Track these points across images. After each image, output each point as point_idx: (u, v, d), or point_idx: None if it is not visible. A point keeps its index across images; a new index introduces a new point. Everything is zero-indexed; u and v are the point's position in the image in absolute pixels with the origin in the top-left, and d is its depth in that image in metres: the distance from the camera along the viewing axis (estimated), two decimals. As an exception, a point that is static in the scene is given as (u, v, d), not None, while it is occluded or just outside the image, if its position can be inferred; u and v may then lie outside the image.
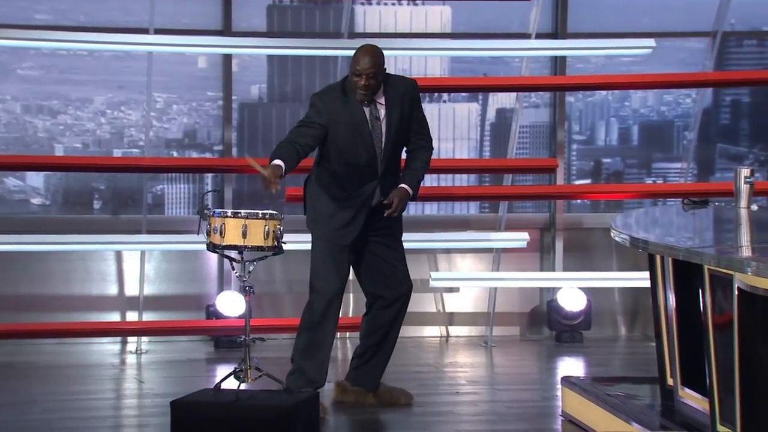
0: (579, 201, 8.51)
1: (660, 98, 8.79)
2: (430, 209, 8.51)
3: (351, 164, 5.79)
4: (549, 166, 8.06)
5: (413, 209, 8.41)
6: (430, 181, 8.44)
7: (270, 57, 8.20)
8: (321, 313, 5.93)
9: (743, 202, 5.59)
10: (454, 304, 8.35)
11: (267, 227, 5.86)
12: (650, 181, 8.69)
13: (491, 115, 8.60)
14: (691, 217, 5.68)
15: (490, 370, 7.50)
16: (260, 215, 5.86)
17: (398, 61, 8.38)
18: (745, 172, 5.59)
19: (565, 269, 8.29)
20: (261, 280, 7.63)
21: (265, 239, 5.86)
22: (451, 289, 8.31)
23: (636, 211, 6.16)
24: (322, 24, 8.29)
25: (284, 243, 5.95)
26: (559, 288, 8.23)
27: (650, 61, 8.31)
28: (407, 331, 8.20)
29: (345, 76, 5.92)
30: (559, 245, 8.35)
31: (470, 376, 7.20)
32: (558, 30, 8.30)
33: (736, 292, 4.42)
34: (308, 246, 8.01)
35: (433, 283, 7.97)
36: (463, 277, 8.22)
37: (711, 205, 5.92)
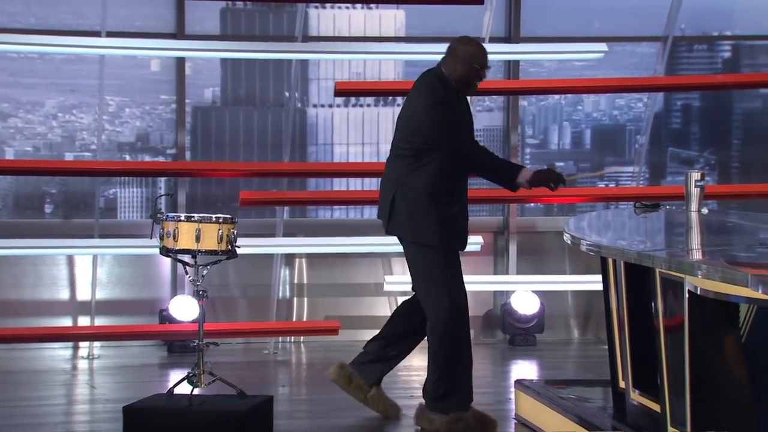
0: (532, 204, 8.53)
1: (612, 102, 8.85)
2: (385, 213, 8.51)
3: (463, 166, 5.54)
4: (503, 169, 8.07)
5: (367, 212, 8.41)
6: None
7: (224, 60, 8.17)
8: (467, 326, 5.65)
9: (694, 206, 5.63)
10: (408, 307, 8.36)
11: (221, 231, 5.84)
12: (603, 185, 8.75)
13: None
14: (642, 221, 5.72)
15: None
16: (214, 219, 5.84)
17: (352, 64, 8.38)
18: (695, 175, 5.62)
19: (519, 272, 8.33)
20: (214, 285, 7.60)
21: (218, 243, 5.83)
22: (405, 293, 8.30)
23: (588, 214, 6.19)
24: (276, 27, 8.28)
25: (238, 247, 5.93)
26: (513, 291, 8.26)
27: (602, 65, 8.37)
28: (361, 335, 8.19)
29: (430, 71, 5.58)
30: (513, 249, 8.38)
31: (424, 379, 7.20)
32: (511, 34, 8.33)
33: (687, 295, 4.46)
34: (263, 250, 8.00)
35: (387, 287, 7.97)
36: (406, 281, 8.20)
37: (662, 209, 5.96)
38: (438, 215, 5.53)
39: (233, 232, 5.89)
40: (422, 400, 5.75)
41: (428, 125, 5.45)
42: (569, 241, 5.13)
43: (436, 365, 5.68)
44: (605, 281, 5.64)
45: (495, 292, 8.41)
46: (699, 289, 4.32)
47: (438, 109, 5.45)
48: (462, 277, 5.72)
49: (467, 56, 5.50)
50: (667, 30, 8.28)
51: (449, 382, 5.65)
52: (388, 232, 5.74)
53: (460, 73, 5.52)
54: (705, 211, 5.63)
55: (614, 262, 5.47)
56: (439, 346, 5.66)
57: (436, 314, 5.65)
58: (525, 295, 8.23)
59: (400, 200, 5.56)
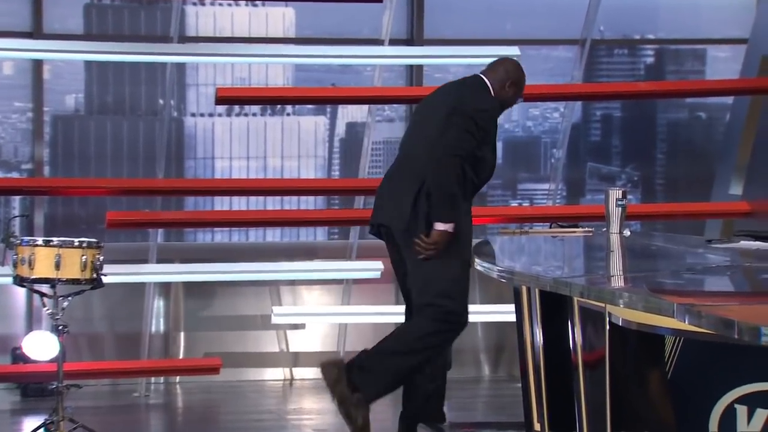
0: (438, 226, 8.62)
1: (525, 112, 8.95)
2: (273, 235, 8.48)
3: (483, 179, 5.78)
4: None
5: (252, 235, 8.37)
6: (272, 203, 8.42)
7: (88, 63, 8.09)
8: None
9: (615, 227, 5.68)
10: (299, 342, 8.33)
11: (84, 257, 5.76)
12: (516, 204, 8.83)
13: (340, 130, 8.64)
14: (559, 244, 5.77)
15: (339, 417, 7.49)
16: (76, 243, 5.76)
17: (236, 68, 8.35)
18: (616, 193, 5.68)
19: (423, 302, 8.37)
20: (77, 318, 7.48)
21: (82, 271, 5.76)
22: (296, 326, 8.29)
23: (500, 236, 6.23)
24: (149, 26, 8.21)
25: (104, 275, 5.85)
26: (417, 323, 8.29)
27: (515, 71, 8.48)
28: (246, 374, 8.14)
29: (468, 79, 5.83)
30: (417, 275, 8.41)
31: (317, 423, 7.17)
32: (413, 36, 8.38)
33: (608, 327, 4.50)
34: (133, 278, 7.89)
35: (275, 319, 7.95)
36: (310, 312, 8.21)
37: (581, 230, 6.02)
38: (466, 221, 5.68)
39: (99, 258, 5.82)
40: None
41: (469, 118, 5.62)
42: (479, 267, 5.14)
43: (396, 341, 5.65)
44: (518, 312, 5.67)
45: (396, 323, 8.41)
46: (621, 319, 4.36)
47: (488, 113, 5.67)
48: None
49: (520, 82, 5.82)
50: (584, 32, 8.41)
51: (385, 366, 5.61)
52: (404, 239, 5.69)
53: (506, 96, 5.81)
54: (627, 232, 5.70)
55: (528, 290, 5.50)
56: (415, 330, 5.62)
57: (448, 312, 5.59)
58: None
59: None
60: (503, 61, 5.90)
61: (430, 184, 5.53)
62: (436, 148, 5.55)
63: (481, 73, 5.83)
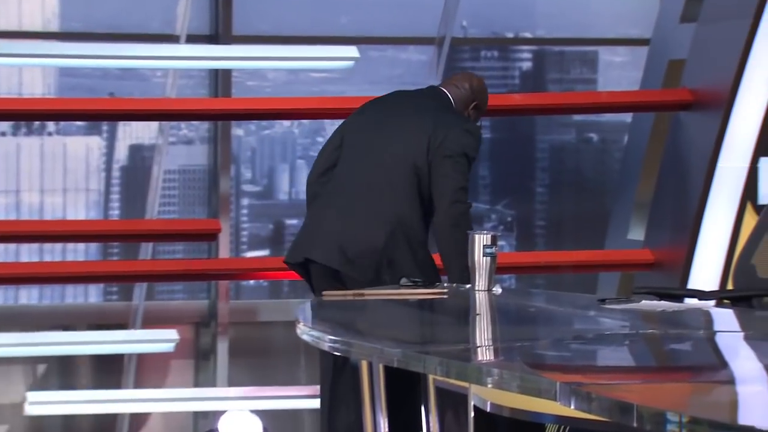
0: (252, 282, 8.60)
1: (367, 132, 9.01)
2: (29, 296, 8.38)
3: None
4: (208, 230, 8.08)
5: (0, 296, 8.25)
6: (27, 253, 8.29)
7: None
8: None
9: (482, 282, 5.71)
10: (65, 439, 8.23)
11: None
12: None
13: (121, 154, 8.56)
14: (413, 307, 5.79)
15: None
16: None
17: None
18: (483, 239, 5.72)
19: (232, 383, 8.33)
20: None
21: None
22: (51, 418, 8.18)
23: (326, 300, 6.22)
24: None
25: None
26: (224, 411, 8.23)
27: (353, 77, 8.52)
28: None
29: (433, 92, 6.20)
30: (223, 348, 8.38)
31: None
32: (219, 32, 8.36)
33: (472, 413, 4.52)
34: None
35: (30, 409, 7.83)
36: (78, 399, 8.09)
37: (439, 286, 6.05)
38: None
39: None
40: None
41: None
42: (305, 337, 5.14)
43: None
44: (357, 394, 5.63)
45: (196, 413, 8.37)
46: (489, 403, 4.39)
47: (473, 142, 6.06)
48: None
49: (483, 107, 6.24)
50: (442, 29, 8.49)
51: None
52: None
53: (474, 118, 6.21)
54: (498, 290, 5.72)
55: (370, 366, 5.51)
56: None
57: None
58: (242, 417, 8.21)
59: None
60: (468, 76, 6.21)
61: (441, 246, 6.01)
62: (436, 197, 6.00)
63: (440, 86, 6.17)
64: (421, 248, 6.11)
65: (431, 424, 4.91)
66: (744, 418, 3.18)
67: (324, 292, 5.79)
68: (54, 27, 8.34)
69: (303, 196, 8.80)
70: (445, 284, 6.11)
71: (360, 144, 6.17)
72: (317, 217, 6.14)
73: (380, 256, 6.03)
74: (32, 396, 7.89)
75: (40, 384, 8.15)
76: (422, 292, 5.88)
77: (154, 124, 8.27)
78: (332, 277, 6.07)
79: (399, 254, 6.06)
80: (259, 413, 8.25)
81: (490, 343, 4.87)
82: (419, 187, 6.03)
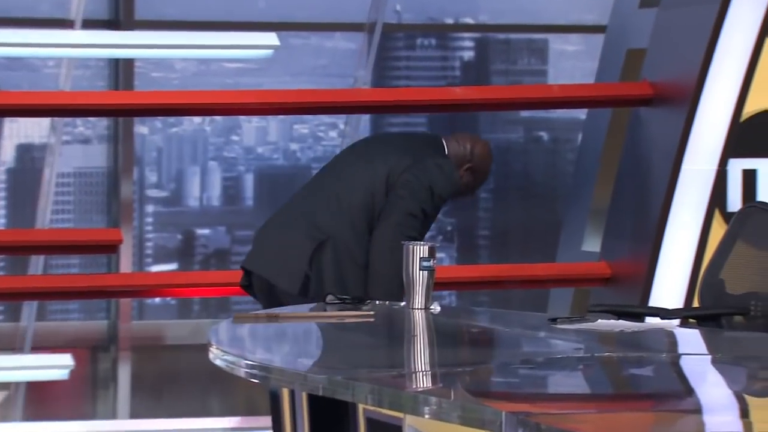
0: (158, 300, 8.59)
1: (289, 130, 8.99)
2: None
3: None
4: (107, 241, 8.02)
5: None
6: None
7: None
8: None
9: (419, 300, 5.72)
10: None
11: None
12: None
13: (7, 155, 8.53)
14: (340, 328, 5.78)
15: None
16: None
17: None
18: (419, 250, 5.72)
19: (135, 415, 8.30)
20: None
21: None
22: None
23: (236, 324, 6.19)
24: None
25: None
26: (126, 446, 8.23)
27: (272, 68, 8.55)
28: None
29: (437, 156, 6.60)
30: (125, 375, 8.34)
31: None
32: (120, 16, 8.36)
33: (407, 448, 4.53)
34: None
35: None
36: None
37: (368, 306, 6.04)
38: None
39: None
40: None
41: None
42: (219, 362, 5.11)
43: None
44: (277, 425, 5.69)
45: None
46: (425, 436, 4.39)
47: (448, 183, 6.56)
48: None
49: (481, 174, 6.71)
50: (373, 14, 8.49)
51: None
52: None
53: (466, 182, 6.69)
54: (436, 308, 5.74)
55: (292, 394, 5.57)
56: None
57: None
58: (146, 453, 8.20)
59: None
60: (474, 137, 6.72)
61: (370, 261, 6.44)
62: (383, 214, 6.47)
63: (444, 136, 6.63)
64: (353, 266, 6.43)
65: (360, 461, 4.90)
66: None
67: (235, 315, 5.83)
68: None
69: (215, 202, 8.83)
70: (377, 302, 6.11)
71: (334, 161, 6.70)
72: (265, 227, 6.56)
73: (307, 266, 6.39)
74: None
75: None
76: (346, 314, 5.87)
77: (45, 121, 8.26)
78: (268, 290, 6.44)
79: (327, 268, 6.41)
80: (167, 448, 8.24)
81: (428, 369, 4.91)
82: (372, 208, 6.47)
